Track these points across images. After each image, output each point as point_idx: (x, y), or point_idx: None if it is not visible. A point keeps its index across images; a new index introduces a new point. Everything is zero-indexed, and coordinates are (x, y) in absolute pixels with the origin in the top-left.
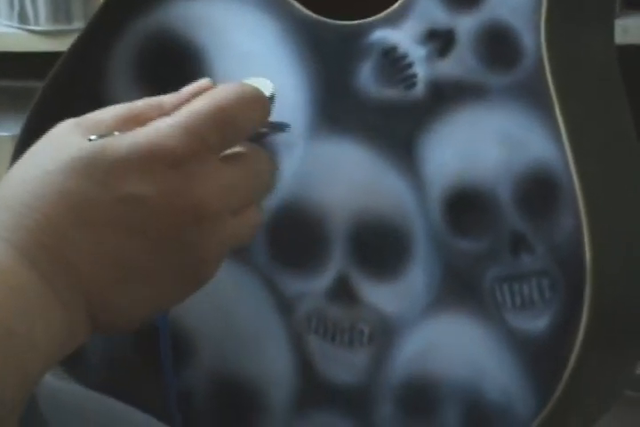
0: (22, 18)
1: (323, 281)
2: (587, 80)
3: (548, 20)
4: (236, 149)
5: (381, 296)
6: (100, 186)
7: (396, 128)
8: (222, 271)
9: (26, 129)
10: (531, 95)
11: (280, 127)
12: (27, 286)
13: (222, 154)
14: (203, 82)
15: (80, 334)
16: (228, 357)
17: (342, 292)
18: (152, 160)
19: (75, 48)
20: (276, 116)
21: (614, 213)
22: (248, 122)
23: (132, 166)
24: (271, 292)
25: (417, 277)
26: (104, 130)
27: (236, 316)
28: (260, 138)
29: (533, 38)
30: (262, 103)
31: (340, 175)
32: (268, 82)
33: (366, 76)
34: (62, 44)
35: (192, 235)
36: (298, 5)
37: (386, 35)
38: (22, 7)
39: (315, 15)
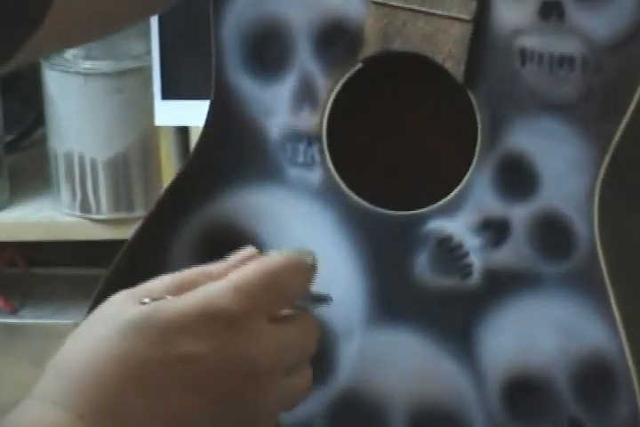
0: (84, 207)
1: None
2: (636, 263)
3: (601, 207)
4: (285, 312)
5: None
6: (155, 346)
7: (453, 316)
8: None
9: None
10: (585, 283)
11: (324, 299)
12: None
13: (271, 316)
14: (248, 250)
15: None
16: None
17: None
18: (205, 320)
19: (137, 237)
20: (334, 305)
21: None
22: (295, 287)
23: (185, 326)
24: None
25: None
26: (156, 296)
27: None
28: (304, 309)
29: (586, 226)
30: (307, 271)
31: (397, 363)
32: (312, 252)
33: (422, 266)
34: (124, 232)
35: (247, 392)
36: (353, 194)
37: (441, 224)
38: (84, 197)
39: (369, 204)
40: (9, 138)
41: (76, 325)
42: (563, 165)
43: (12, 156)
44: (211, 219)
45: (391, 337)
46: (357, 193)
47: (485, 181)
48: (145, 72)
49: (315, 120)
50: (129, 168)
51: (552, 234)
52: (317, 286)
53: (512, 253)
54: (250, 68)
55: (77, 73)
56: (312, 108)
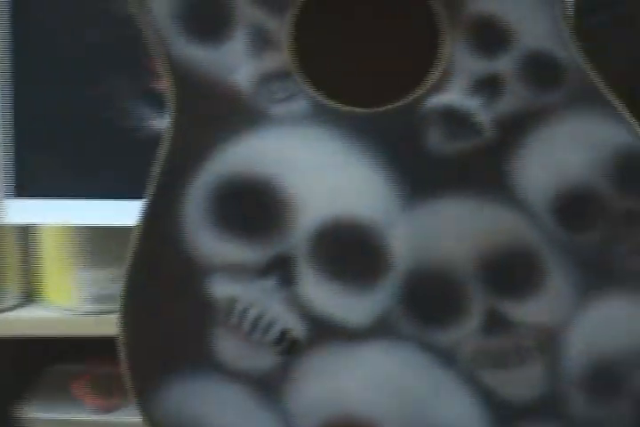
0: None
1: (473, 322)
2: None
3: (574, 31)
4: None
5: (533, 311)
6: None
7: (482, 172)
8: (382, 354)
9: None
10: (588, 98)
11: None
12: None
13: None
14: None
15: None
16: (413, 420)
17: (495, 324)
18: None
19: (150, 200)
20: (367, 209)
21: None
22: None
23: None
24: (430, 353)
25: (559, 282)
26: None
27: (405, 384)
28: None
29: (567, 52)
30: None
31: (451, 230)
32: None
33: (435, 140)
34: None
35: None
36: (342, 107)
37: (437, 100)
38: None
39: (362, 110)
40: None
41: None
42: (528, 10)
43: None
44: (218, 174)
45: (433, 211)
46: (346, 104)
47: (464, 50)
48: None
49: (280, 58)
50: None
51: (541, 69)
52: (345, 198)
53: (513, 100)
54: (195, 38)
55: None
56: (273, 50)
